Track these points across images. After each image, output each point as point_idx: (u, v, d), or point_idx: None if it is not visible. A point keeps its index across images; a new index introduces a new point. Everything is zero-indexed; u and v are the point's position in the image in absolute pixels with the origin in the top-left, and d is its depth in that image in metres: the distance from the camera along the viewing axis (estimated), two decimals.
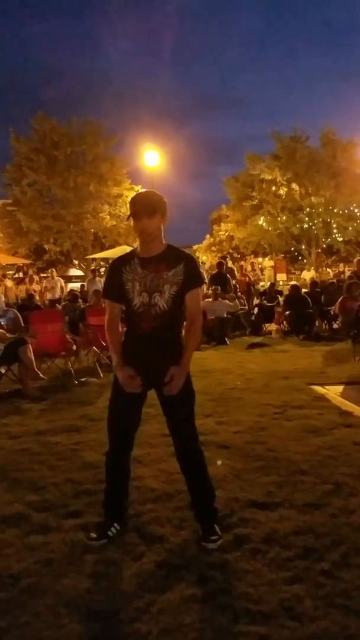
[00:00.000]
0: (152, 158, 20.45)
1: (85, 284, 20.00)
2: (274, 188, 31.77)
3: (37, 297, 15.10)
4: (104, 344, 8.07)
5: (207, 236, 44.76)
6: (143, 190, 2.75)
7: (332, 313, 11.01)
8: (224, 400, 5.76)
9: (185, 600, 2.24)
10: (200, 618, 2.13)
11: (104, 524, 2.83)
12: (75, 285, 21.02)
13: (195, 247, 43.87)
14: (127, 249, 24.70)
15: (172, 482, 3.45)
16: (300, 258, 35.85)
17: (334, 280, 13.45)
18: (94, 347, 7.98)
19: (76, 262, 32.03)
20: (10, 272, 25.52)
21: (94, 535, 2.78)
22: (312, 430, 4.47)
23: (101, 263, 28.34)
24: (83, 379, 7.19)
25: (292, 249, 35.24)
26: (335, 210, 31.11)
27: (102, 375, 7.40)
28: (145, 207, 2.61)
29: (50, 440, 4.51)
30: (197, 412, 2.83)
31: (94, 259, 27.69)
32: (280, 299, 12.83)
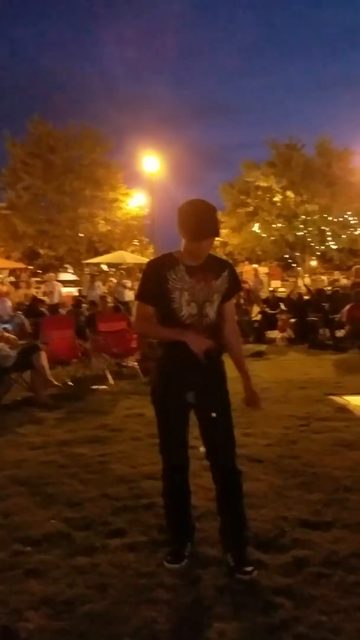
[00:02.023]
0: (150, 164, 20.36)
1: (82, 289, 19.76)
2: (269, 195, 31.87)
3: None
4: (115, 350, 7.94)
5: None
6: (195, 200, 2.41)
7: (336, 321, 10.95)
8: (244, 410, 5.56)
9: (258, 629, 2.12)
10: None
11: (176, 547, 2.67)
12: (69, 290, 20.71)
13: None
14: (124, 254, 24.79)
15: (213, 499, 3.30)
16: (294, 265, 35.95)
17: (339, 288, 13.42)
18: (104, 354, 7.83)
19: (67, 267, 31.74)
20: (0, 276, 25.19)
21: (169, 559, 2.62)
22: (345, 444, 4.37)
23: (94, 268, 28.15)
24: (94, 387, 7.05)
25: (286, 256, 35.34)
26: (330, 218, 31.29)
27: (112, 383, 7.26)
28: (213, 227, 2.40)
29: (74, 452, 4.37)
30: None
31: (87, 264, 27.49)
32: (283, 306, 12.75)
